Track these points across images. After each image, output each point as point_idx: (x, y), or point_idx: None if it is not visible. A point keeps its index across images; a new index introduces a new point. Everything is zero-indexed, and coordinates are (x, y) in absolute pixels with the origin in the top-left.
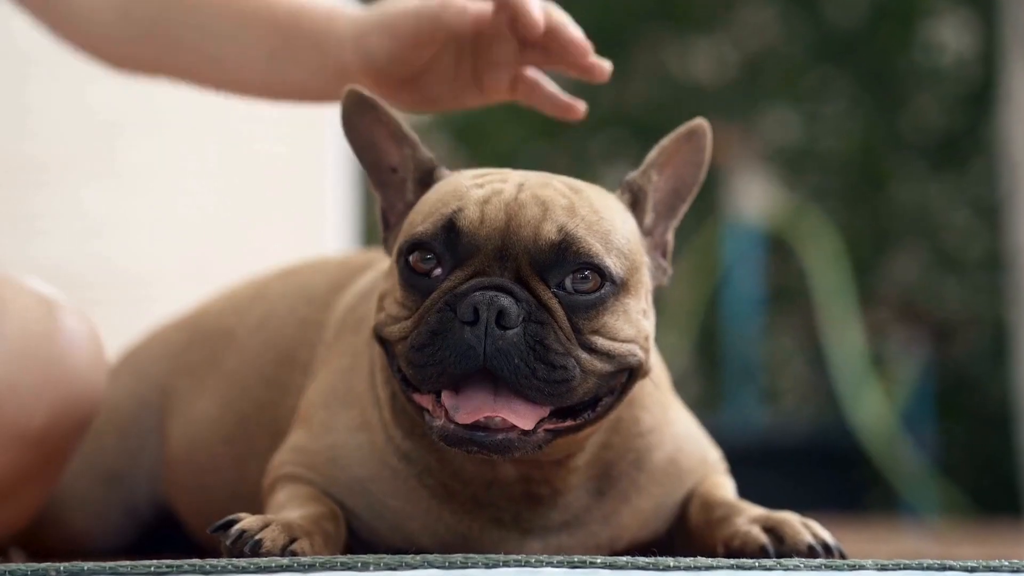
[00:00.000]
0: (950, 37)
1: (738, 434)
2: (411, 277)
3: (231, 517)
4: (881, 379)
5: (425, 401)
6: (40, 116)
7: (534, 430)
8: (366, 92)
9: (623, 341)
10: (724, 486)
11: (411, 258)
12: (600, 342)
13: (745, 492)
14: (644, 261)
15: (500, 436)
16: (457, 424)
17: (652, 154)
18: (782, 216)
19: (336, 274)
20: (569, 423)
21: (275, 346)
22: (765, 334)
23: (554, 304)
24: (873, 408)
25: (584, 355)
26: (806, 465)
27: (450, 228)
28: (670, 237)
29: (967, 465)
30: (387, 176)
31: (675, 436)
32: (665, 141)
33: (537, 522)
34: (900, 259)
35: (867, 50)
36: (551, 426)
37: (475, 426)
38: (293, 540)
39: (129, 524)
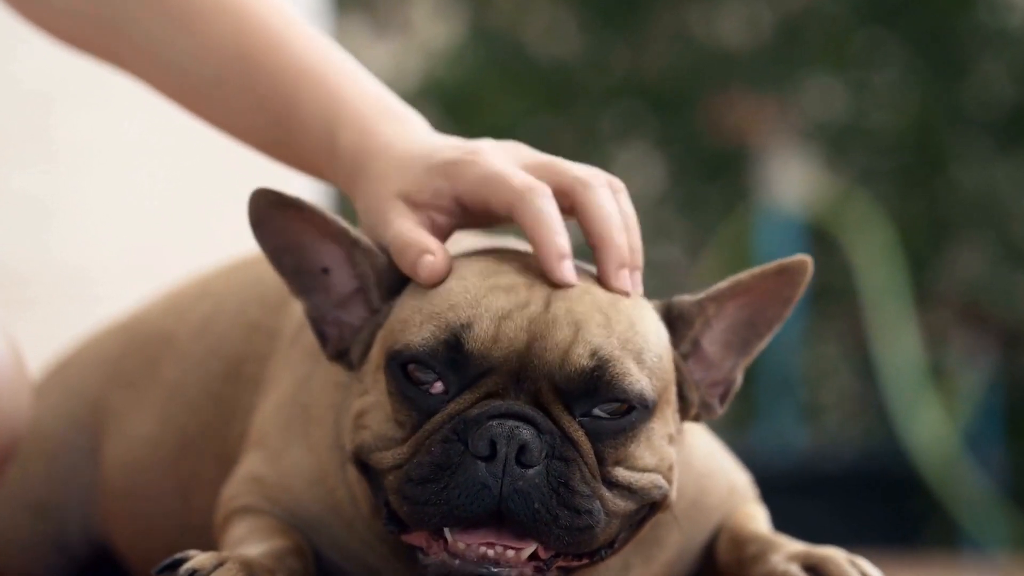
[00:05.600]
0: None
1: (774, 457)
2: (407, 388)
3: (179, 555)
4: (940, 393)
5: (417, 539)
6: None
7: (547, 568)
8: (284, 193)
9: (642, 471)
10: (755, 517)
11: (408, 368)
12: (622, 474)
13: (782, 524)
14: (673, 378)
15: (515, 572)
16: (461, 559)
17: (722, 284)
18: (825, 203)
19: None
20: (585, 561)
21: (220, 354)
22: (805, 341)
23: (580, 436)
24: (931, 427)
25: (607, 494)
26: (853, 493)
27: (455, 347)
28: (738, 376)
29: None
30: (316, 280)
31: (696, 477)
32: (744, 274)
33: None
34: (962, 253)
35: (924, 9)
36: (564, 564)
37: (483, 559)
38: None
39: (60, 561)
